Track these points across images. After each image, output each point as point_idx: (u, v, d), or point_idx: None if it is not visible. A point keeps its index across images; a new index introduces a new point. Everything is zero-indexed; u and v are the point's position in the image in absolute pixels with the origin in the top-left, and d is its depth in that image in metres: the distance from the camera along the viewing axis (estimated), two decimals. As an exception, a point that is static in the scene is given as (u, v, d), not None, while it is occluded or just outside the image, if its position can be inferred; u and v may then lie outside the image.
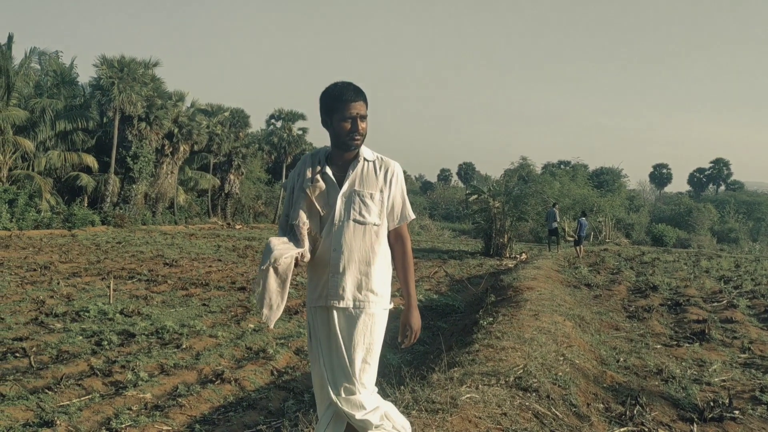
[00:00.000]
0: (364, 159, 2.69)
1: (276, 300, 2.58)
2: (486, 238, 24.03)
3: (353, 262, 2.60)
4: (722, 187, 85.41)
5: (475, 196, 24.98)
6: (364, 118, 2.63)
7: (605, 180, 54.90)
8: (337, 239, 2.60)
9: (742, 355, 6.69)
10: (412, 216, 2.82)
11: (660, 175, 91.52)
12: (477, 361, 4.86)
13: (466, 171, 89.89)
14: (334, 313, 2.60)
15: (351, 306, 2.60)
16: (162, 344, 6.89)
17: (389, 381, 4.54)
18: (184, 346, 6.74)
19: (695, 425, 4.29)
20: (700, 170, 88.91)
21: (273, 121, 46.56)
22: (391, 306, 2.74)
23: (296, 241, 2.61)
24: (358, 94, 2.63)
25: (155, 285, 11.23)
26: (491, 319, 7.01)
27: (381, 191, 2.68)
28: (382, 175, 2.70)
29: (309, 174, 2.66)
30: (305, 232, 2.62)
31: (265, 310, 2.58)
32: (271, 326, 2.75)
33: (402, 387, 4.08)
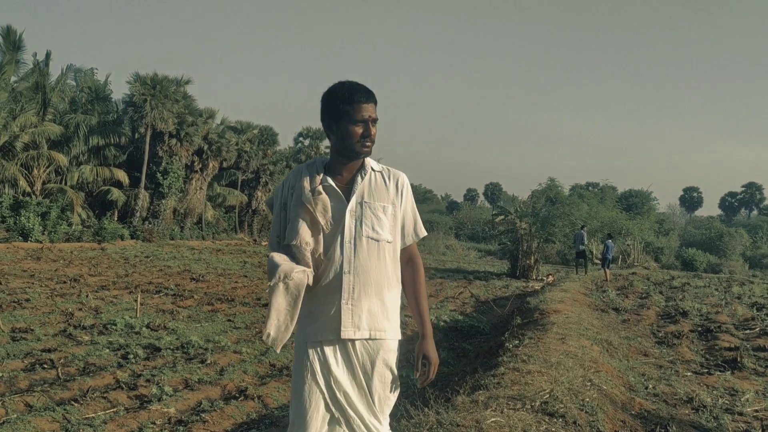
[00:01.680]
0: (372, 169, 2.42)
1: (285, 320, 2.25)
2: (512, 259, 23.87)
3: (369, 286, 2.30)
4: (755, 212, 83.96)
5: (502, 216, 24.88)
6: (375, 122, 2.35)
7: (634, 203, 54.30)
8: (349, 259, 2.28)
9: (776, 385, 6.51)
10: (424, 233, 2.55)
11: (690, 199, 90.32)
12: (502, 385, 4.79)
13: (493, 191, 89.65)
14: (350, 346, 2.29)
15: (368, 337, 2.30)
16: (187, 359, 6.92)
17: (413, 402, 4.50)
18: (208, 362, 6.76)
19: (727, 457, 4.17)
20: (732, 194, 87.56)
21: (301, 139, 47.04)
22: (400, 337, 2.45)
23: (298, 263, 2.29)
24: (369, 95, 2.34)
25: (182, 299, 11.32)
26: (517, 341, 6.92)
27: (393, 204, 2.40)
28: (392, 186, 2.42)
29: (307, 185, 2.34)
30: (308, 254, 2.29)
31: (271, 331, 2.24)
32: (278, 350, 2.32)
33: (426, 409, 4.04)
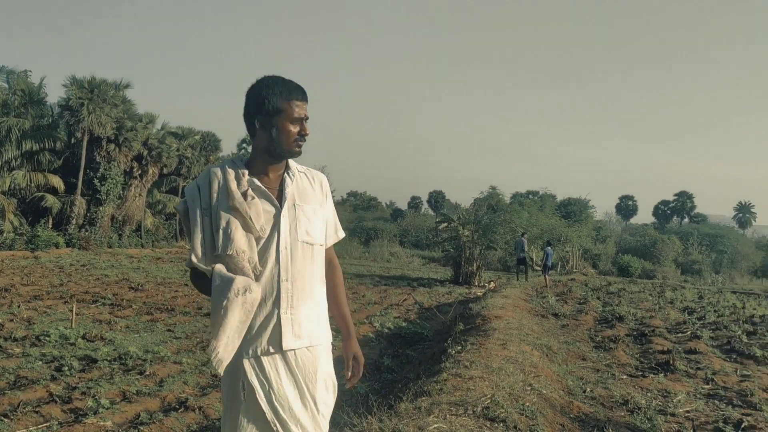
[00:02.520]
0: (296, 170, 2.32)
1: (233, 339, 2.05)
2: (455, 266, 24.14)
3: (306, 292, 2.20)
4: (686, 220, 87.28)
5: (445, 224, 25.15)
6: (307, 120, 2.25)
7: (573, 210, 55.67)
8: (286, 266, 2.16)
9: (706, 386, 6.78)
10: (343, 234, 2.47)
11: (626, 207, 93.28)
12: (445, 391, 4.84)
13: (437, 199, 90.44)
14: (291, 356, 2.16)
15: (308, 344, 2.19)
16: (125, 370, 6.74)
17: (356, 410, 4.51)
18: (147, 373, 6.60)
19: (660, 456, 4.32)
20: (665, 202, 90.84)
21: (244, 145, 46.53)
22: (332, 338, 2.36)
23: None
24: (304, 93, 2.25)
25: (119, 309, 11.01)
26: (460, 347, 7.00)
27: (321, 206, 2.32)
28: (318, 187, 2.34)
29: (235, 188, 2.15)
30: (246, 264, 2.10)
31: (220, 350, 2.02)
32: (221, 371, 2.07)
33: (369, 417, 4.05)
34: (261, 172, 2.25)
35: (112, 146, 29.64)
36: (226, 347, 2.04)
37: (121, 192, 30.61)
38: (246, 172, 2.22)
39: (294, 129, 2.21)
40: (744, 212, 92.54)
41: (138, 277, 17.20)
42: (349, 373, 2.38)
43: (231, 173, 2.20)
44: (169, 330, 9.29)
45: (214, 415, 5.52)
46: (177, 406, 5.55)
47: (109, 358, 7.12)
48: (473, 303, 13.30)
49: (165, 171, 34.07)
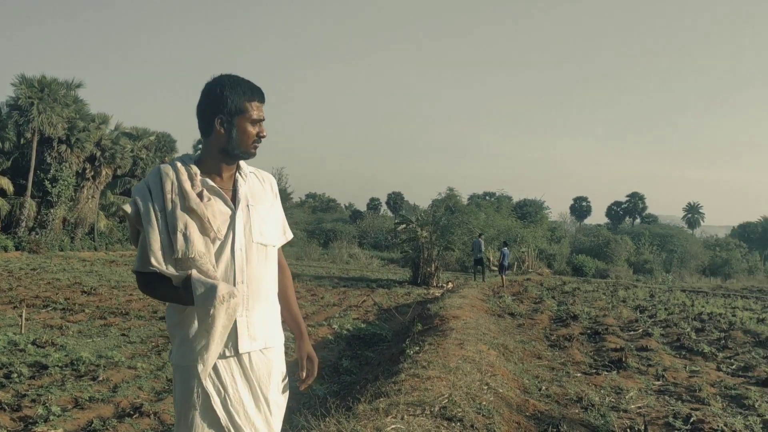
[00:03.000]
0: (247, 170, 2.28)
1: (219, 346, 2.03)
2: (414, 267, 24.24)
3: (261, 293, 2.17)
4: (638, 220, 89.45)
5: (404, 225, 25.25)
6: (263, 122, 2.22)
7: (528, 211, 56.50)
8: (242, 268, 2.12)
9: (657, 382, 6.97)
10: (291, 235, 2.43)
11: (580, 208, 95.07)
12: (403, 391, 4.87)
13: (395, 201, 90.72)
14: (246, 359, 2.12)
15: (263, 347, 2.16)
16: (77, 376, 6.58)
17: (314, 413, 4.49)
18: (100, 379, 6.46)
19: (612, 451, 4.43)
20: (617, 203, 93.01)
21: (200, 146, 45.85)
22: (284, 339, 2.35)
23: None
24: (263, 94, 2.22)
25: (71, 314, 10.75)
26: (418, 348, 7.05)
27: (272, 206, 2.29)
28: (268, 187, 2.31)
29: (190, 188, 2.09)
30: (210, 267, 2.05)
31: (209, 361, 2.02)
32: (204, 378, 2.06)
33: (327, 419, 4.04)
34: (213, 171, 2.19)
35: (63, 147, 28.92)
36: (214, 356, 2.03)
37: (73, 194, 29.88)
38: (198, 171, 2.15)
39: (254, 130, 2.17)
40: (693, 213, 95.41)
41: (91, 280, 16.82)
42: (304, 374, 2.35)
43: (183, 173, 2.13)
44: (123, 334, 9.11)
45: (169, 420, 5.44)
46: (131, 412, 5.45)
47: (60, 364, 6.95)
48: (431, 303, 13.39)
49: (119, 172, 33.41)
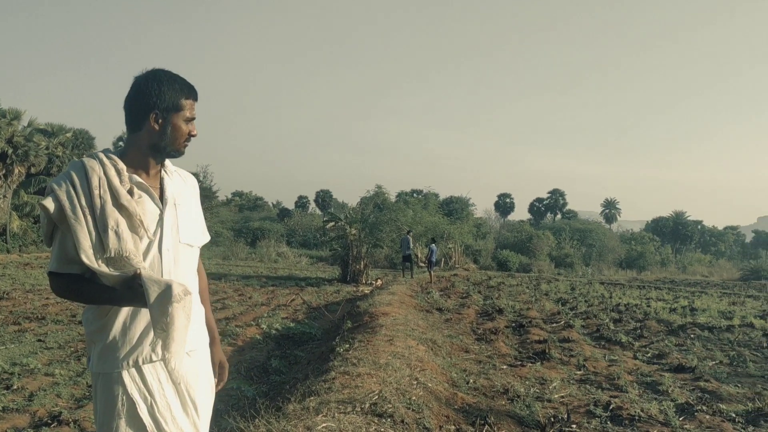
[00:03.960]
0: (172, 169, 2.23)
1: (184, 344, 1.97)
2: (343, 264, 24.22)
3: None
4: (558, 216, 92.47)
5: (332, 223, 25.16)
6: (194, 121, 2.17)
7: (455, 208, 57.49)
8: (169, 269, 2.06)
9: (578, 372, 7.23)
10: (208, 237, 2.37)
11: (504, 204, 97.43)
12: (333, 389, 4.85)
13: (324, 198, 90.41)
14: (173, 363, 2.05)
15: (189, 350, 2.11)
16: (-12, 386, 6.23)
17: (243, 414, 4.42)
18: (15, 387, 6.14)
19: (538, 440, 4.56)
20: (539, 200, 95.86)
21: (120, 144, 44.31)
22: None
23: None
24: (197, 94, 2.17)
25: (-19, 320, 10.17)
26: (347, 345, 7.05)
27: (196, 206, 2.26)
28: (191, 187, 2.27)
29: (119, 184, 1.99)
30: (141, 267, 1.97)
31: (177, 359, 1.98)
32: (177, 377, 2.07)
33: (257, 420, 3.99)
34: (140, 168, 2.10)
35: (-30, 144, 27.33)
36: (180, 355, 1.97)
37: (-19, 193, 28.27)
38: (125, 167, 2.05)
39: (187, 128, 2.11)
40: (610, 208, 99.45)
41: (3, 284, 15.95)
42: (215, 380, 2.32)
43: (111, 168, 2.02)
44: (39, 340, 8.68)
45: (90, 428, 5.23)
46: (49, 421, 5.20)
47: (-31, 374, 6.57)
48: (361, 301, 13.41)
49: (33, 171, 31.81)
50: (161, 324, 1.89)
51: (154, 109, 2.05)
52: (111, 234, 1.92)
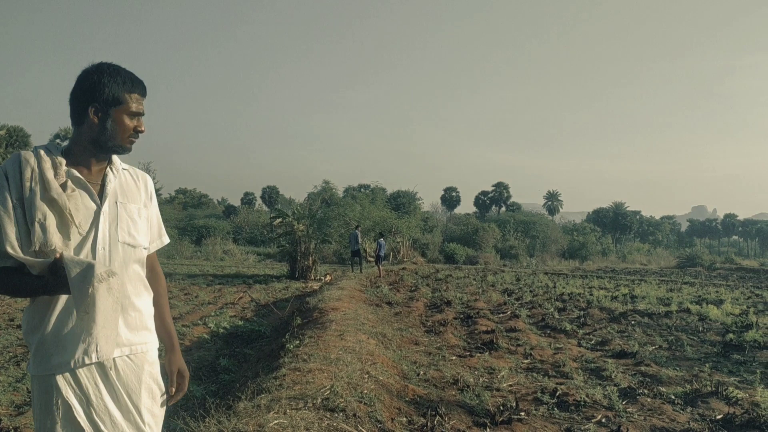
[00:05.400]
0: (120, 166, 2.17)
1: (113, 329, 1.92)
2: (291, 261, 24.07)
3: (126, 297, 2.04)
4: (503, 208, 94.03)
5: (280, 219, 24.96)
6: (142, 117, 2.11)
7: (402, 203, 57.82)
8: None
9: (525, 361, 7.38)
10: (168, 239, 2.36)
11: (450, 198, 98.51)
12: (284, 386, 4.83)
13: (270, 194, 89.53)
14: (107, 367, 1.99)
15: (129, 353, 2.05)
16: None
17: (192, 414, 4.35)
18: (-51, 396, 5.88)
19: (488, 429, 4.64)
20: (484, 193, 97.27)
21: (58, 141, 42.87)
22: (158, 344, 2.25)
23: None
24: (144, 88, 2.11)
25: None
26: (298, 342, 7.01)
27: (145, 206, 2.18)
28: (142, 187, 2.20)
29: (52, 177, 1.94)
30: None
31: (101, 343, 1.90)
32: (106, 360, 1.98)
33: (207, 419, 3.93)
34: (81, 164, 2.06)
35: None
36: (107, 338, 1.91)
37: None
38: (64, 161, 2.01)
39: (131, 123, 2.06)
40: (552, 200, 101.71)
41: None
42: (173, 389, 2.24)
43: (47, 161, 1.98)
44: (-27, 346, 8.34)
45: (32, 435, 5.06)
46: (-13, 430, 5.01)
47: None
48: (310, 297, 13.35)
49: (-38, 170, 30.53)
50: (84, 306, 1.86)
51: (93, 102, 2.01)
52: (37, 227, 1.88)
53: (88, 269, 1.85)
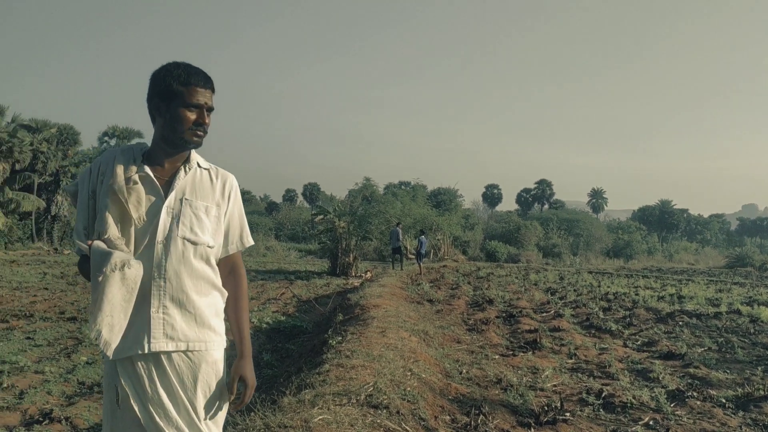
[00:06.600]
0: (198, 164, 2.18)
1: (119, 318, 1.92)
2: (332, 257, 24.21)
3: (183, 293, 2.04)
4: (546, 206, 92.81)
5: (321, 216, 25.16)
6: (210, 111, 2.12)
7: (443, 200, 57.54)
8: (161, 262, 2.01)
9: (570, 361, 7.27)
10: (251, 242, 2.31)
11: (492, 195, 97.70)
12: (328, 382, 4.85)
13: (312, 191, 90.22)
14: (164, 359, 2.02)
15: (185, 349, 2.05)
16: (-22, 385, 6.18)
17: (230, 405, 4.41)
18: (5, 385, 6.08)
19: (532, 429, 4.58)
20: (527, 190, 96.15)
21: (106, 138, 44.02)
22: (226, 344, 2.23)
23: None
24: (208, 80, 2.11)
25: (-32, 319, 10.07)
26: (340, 338, 7.05)
27: (218, 206, 2.16)
28: (219, 186, 2.19)
29: (121, 173, 2.03)
30: (124, 248, 1.99)
31: (103, 330, 1.90)
32: (111, 353, 1.94)
33: (252, 414, 3.98)
34: (157, 161, 2.12)
35: (-48, 140, 27.01)
36: (111, 328, 1.92)
37: (-35, 190, 27.96)
38: (140, 158, 2.11)
39: (190, 116, 2.07)
40: (597, 198, 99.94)
41: (-11, 282, 15.82)
42: (232, 396, 2.18)
43: (123, 157, 2.10)
44: (28, 338, 8.61)
45: (82, 425, 5.20)
46: (41, 419, 5.16)
47: (-42, 373, 6.51)
48: (351, 293, 13.41)
49: (17, 167, 31.51)
50: (95, 295, 1.92)
51: (153, 100, 2.09)
52: (99, 218, 2.02)
53: (104, 257, 1.92)
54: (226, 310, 2.24)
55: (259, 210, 72.46)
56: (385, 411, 4.11)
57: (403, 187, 58.76)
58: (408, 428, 3.95)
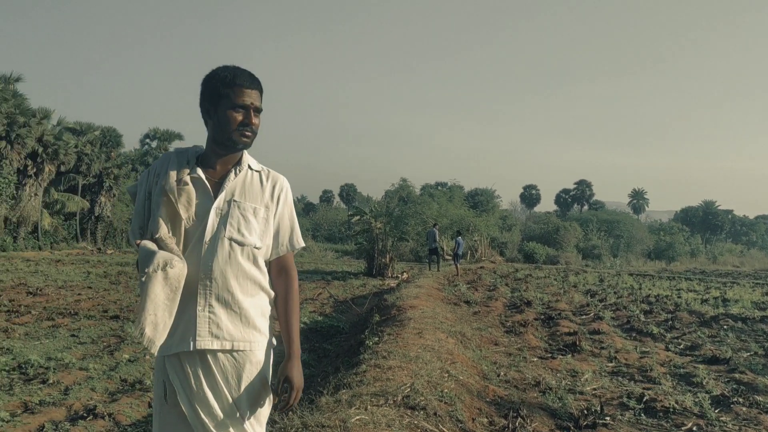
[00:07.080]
0: (249, 166, 2.20)
1: (163, 317, 1.95)
2: (368, 258, 24.26)
3: (229, 293, 2.07)
4: (585, 207, 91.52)
5: (358, 217, 25.21)
6: (258, 111, 2.13)
7: (480, 201, 57.20)
8: (207, 262, 2.05)
9: (610, 364, 7.15)
10: (302, 243, 2.31)
11: (530, 196, 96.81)
12: (365, 382, 4.86)
13: (348, 192, 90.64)
14: (209, 357, 2.06)
15: (230, 348, 2.07)
16: (26, 380, 6.36)
17: (275, 407, 4.45)
18: (50, 381, 6.25)
19: (571, 433, 4.52)
20: (566, 191, 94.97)
21: (148, 140, 44.95)
22: (275, 343, 2.24)
23: None
24: (254, 80, 2.13)
25: (17, 316, 10.37)
26: (377, 338, 7.06)
27: (267, 207, 2.18)
28: (269, 188, 2.20)
29: (174, 174, 2.09)
30: (175, 248, 2.04)
31: (146, 329, 1.92)
32: (155, 350, 1.98)
33: (290, 413, 4.01)
34: (209, 163, 2.17)
35: (3, 143, 27.85)
36: (155, 327, 1.95)
37: (14, 192, 28.79)
38: (193, 160, 2.17)
39: (237, 116, 2.09)
40: (638, 199, 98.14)
41: (36, 281, 16.27)
42: (276, 398, 2.18)
43: (176, 158, 2.18)
44: (73, 335, 8.84)
45: (125, 421, 5.31)
46: (85, 414, 5.29)
47: (7, 368, 6.70)
48: (388, 294, 13.42)
49: (63, 169, 32.36)
50: (141, 293, 1.96)
51: (203, 104, 2.16)
52: (152, 218, 2.08)
53: (149, 257, 1.95)
54: (276, 311, 2.25)
55: (296, 211, 73.04)
56: (422, 412, 4.10)
57: (439, 187, 58.64)
58: (445, 429, 3.93)
